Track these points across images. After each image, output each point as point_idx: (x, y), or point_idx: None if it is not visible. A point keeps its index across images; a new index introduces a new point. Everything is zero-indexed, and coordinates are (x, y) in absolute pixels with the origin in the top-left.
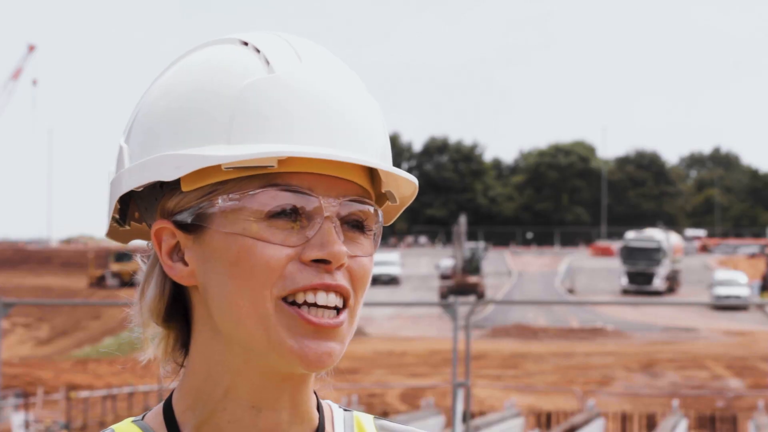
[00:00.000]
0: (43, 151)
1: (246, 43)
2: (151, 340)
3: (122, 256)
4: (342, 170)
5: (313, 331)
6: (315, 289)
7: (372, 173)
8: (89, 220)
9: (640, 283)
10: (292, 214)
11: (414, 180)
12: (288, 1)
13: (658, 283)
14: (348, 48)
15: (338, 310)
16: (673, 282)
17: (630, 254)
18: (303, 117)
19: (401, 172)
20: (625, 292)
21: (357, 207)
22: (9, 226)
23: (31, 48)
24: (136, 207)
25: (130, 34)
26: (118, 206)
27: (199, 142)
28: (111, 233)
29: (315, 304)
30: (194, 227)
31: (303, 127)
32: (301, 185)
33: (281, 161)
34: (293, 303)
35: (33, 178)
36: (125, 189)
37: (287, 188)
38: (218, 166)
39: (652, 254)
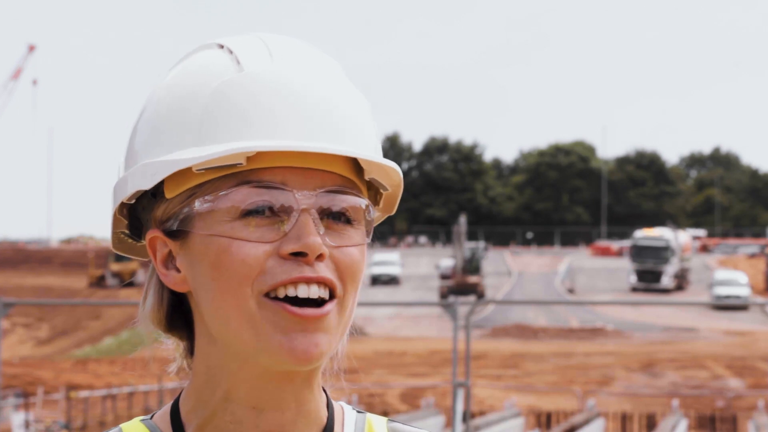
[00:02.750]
0: (43, 151)
1: (222, 46)
2: (176, 350)
3: (122, 256)
4: (317, 161)
5: (299, 323)
6: (295, 282)
7: (357, 163)
8: (89, 220)
9: (648, 281)
10: (268, 210)
11: (394, 165)
12: (287, 2)
13: (667, 281)
14: (348, 48)
15: (324, 302)
16: (682, 280)
17: (639, 252)
18: (273, 112)
19: (377, 158)
20: (634, 290)
21: (337, 198)
22: (9, 226)
23: (31, 48)
24: (141, 220)
25: (130, 34)
26: (125, 221)
27: (173, 147)
28: (123, 248)
29: (296, 298)
30: (180, 233)
31: (273, 122)
32: (273, 180)
33: (252, 158)
34: (275, 298)
35: (33, 178)
36: (116, 202)
37: (259, 184)
38: (192, 169)
39: (661, 252)
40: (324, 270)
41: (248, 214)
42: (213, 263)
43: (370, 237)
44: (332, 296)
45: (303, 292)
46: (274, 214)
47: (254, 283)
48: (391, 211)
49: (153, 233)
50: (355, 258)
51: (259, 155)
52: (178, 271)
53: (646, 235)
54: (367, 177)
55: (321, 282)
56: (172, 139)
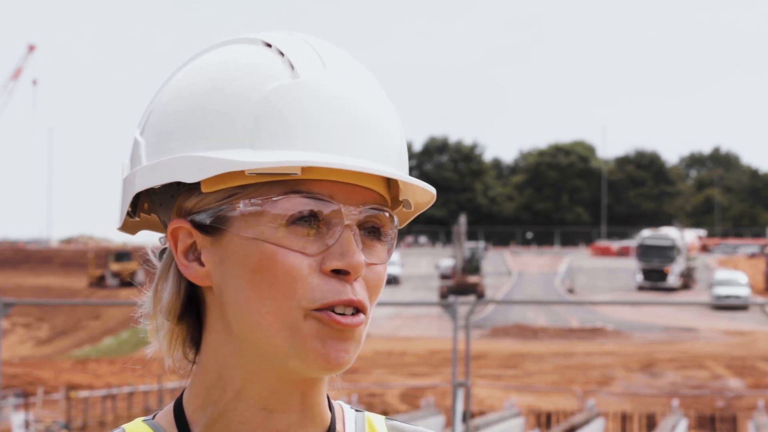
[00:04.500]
0: (43, 151)
1: (269, 45)
2: (155, 333)
3: (122, 256)
4: (362, 179)
5: (337, 331)
6: (339, 305)
7: (389, 180)
8: (89, 220)
9: (654, 279)
10: (312, 222)
11: (432, 190)
12: (288, 2)
13: (673, 279)
14: (348, 48)
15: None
16: (688, 279)
17: (645, 252)
18: (327, 124)
19: (421, 183)
20: (641, 288)
21: (376, 215)
22: (9, 226)
23: (31, 48)
24: (146, 200)
25: (130, 35)
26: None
27: (223, 145)
28: (124, 225)
29: (332, 310)
30: (213, 229)
31: (327, 135)
32: (322, 193)
33: (304, 168)
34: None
35: (33, 178)
36: (143, 186)
37: (309, 195)
38: (241, 170)
39: (667, 252)
40: (360, 291)
41: (293, 223)
42: (254, 268)
43: (392, 252)
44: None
45: (339, 309)
46: (317, 226)
47: (302, 299)
48: (400, 225)
49: (178, 223)
50: (382, 276)
51: (311, 166)
52: (201, 264)
53: (652, 234)
54: (401, 197)
55: (358, 306)
56: (220, 137)
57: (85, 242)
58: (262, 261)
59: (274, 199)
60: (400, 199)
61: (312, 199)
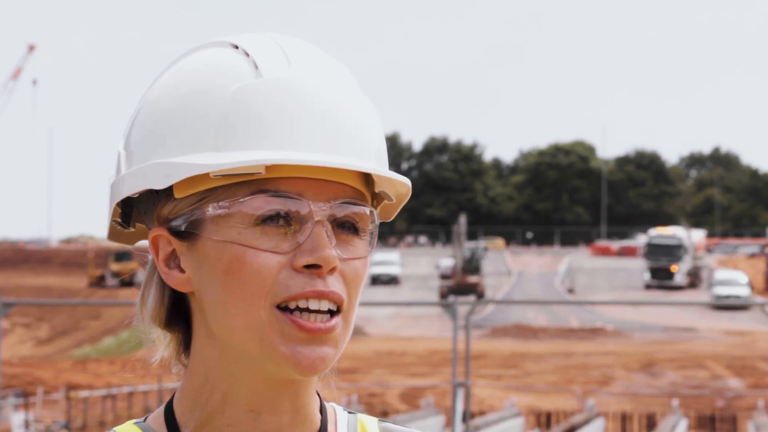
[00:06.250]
0: (43, 151)
1: (236, 47)
2: (160, 342)
3: (122, 256)
4: (332, 173)
5: (306, 337)
6: (307, 296)
7: (366, 174)
8: (89, 220)
9: (662, 278)
10: (283, 220)
11: (406, 181)
12: (288, 2)
13: (679, 278)
14: (347, 48)
15: (331, 314)
16: (694, 278)
17: (653, 250)
18: (291, 122)
19: (391, 174)
20: (648, 287)
21: (349, 209)
22: (9, 226)
23: (31, 48)
24: (137, 210)
25: (130, 35)
26: (119, 209)
27: (189, 149)
28: (114, 235)
29: (307, 309)
30: (188, 234)
31: (291, 132)
32: (290, 190)
33: (270, 167)
34: (286, 309)
35: (33, 178)
36: (121, 195)
37: (276, 194)
38: (207, 174)
39: (674, 251)
40: (334, 284)
41: (262, 222)
42: (225, 270)
43: (374, 247)
44: (338, 309)
45: (314, 305)
46: (288, 224)
47: (267, 295)
48: (388, 219)
49: (157, 231)
50: (360, 271)
51: (277, 165)
52: (182, 271)
53: (660, 233)
54: (377, 189)
55: (331, 297)
56: (186, 141)
57: (85, 242)
58: (232, 263)
59: (241, 200)
60: (377, 191)
61: (279, 197)
